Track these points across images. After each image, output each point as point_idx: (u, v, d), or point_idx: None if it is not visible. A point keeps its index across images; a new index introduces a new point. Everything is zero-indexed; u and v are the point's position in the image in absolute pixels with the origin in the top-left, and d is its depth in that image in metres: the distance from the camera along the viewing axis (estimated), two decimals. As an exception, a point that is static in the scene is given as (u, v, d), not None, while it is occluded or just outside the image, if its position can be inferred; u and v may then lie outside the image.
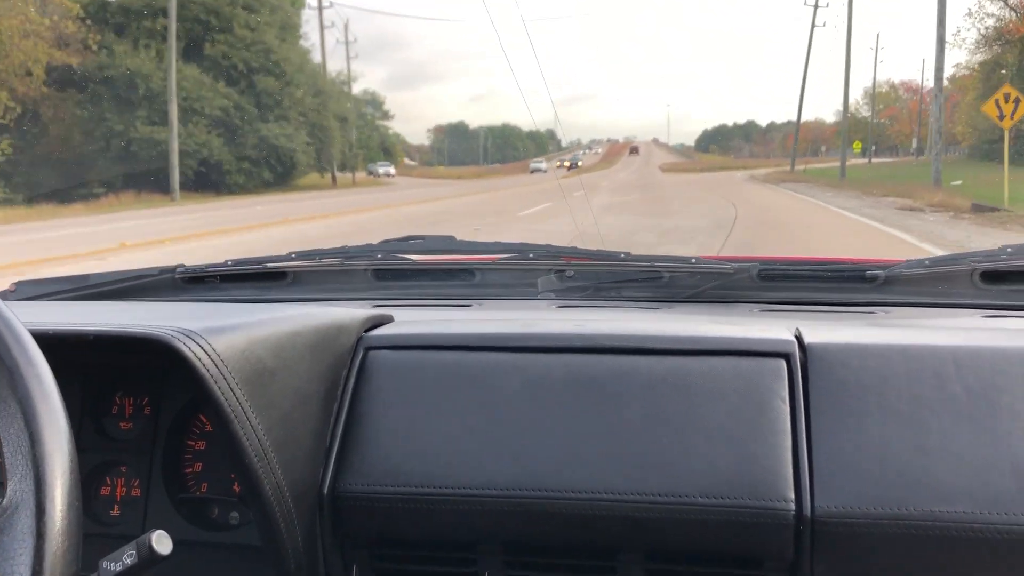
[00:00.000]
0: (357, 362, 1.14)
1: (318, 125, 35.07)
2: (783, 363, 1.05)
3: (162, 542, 0.78)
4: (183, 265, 1.68)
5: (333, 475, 1.06)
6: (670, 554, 1.01)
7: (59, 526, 0.67)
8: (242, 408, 0.94)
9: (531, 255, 1.62)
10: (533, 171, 59.54)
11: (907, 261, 1.52)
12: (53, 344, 0.80)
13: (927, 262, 1.49)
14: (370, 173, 50.92)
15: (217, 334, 0.95)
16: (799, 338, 1.09)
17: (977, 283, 1.47)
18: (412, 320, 1.28)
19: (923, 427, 0.98)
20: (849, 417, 1.00)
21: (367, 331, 1.20)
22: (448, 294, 1.66)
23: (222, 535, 1.15)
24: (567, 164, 46.37)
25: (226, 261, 1.67)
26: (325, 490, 1.06)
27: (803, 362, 1.06)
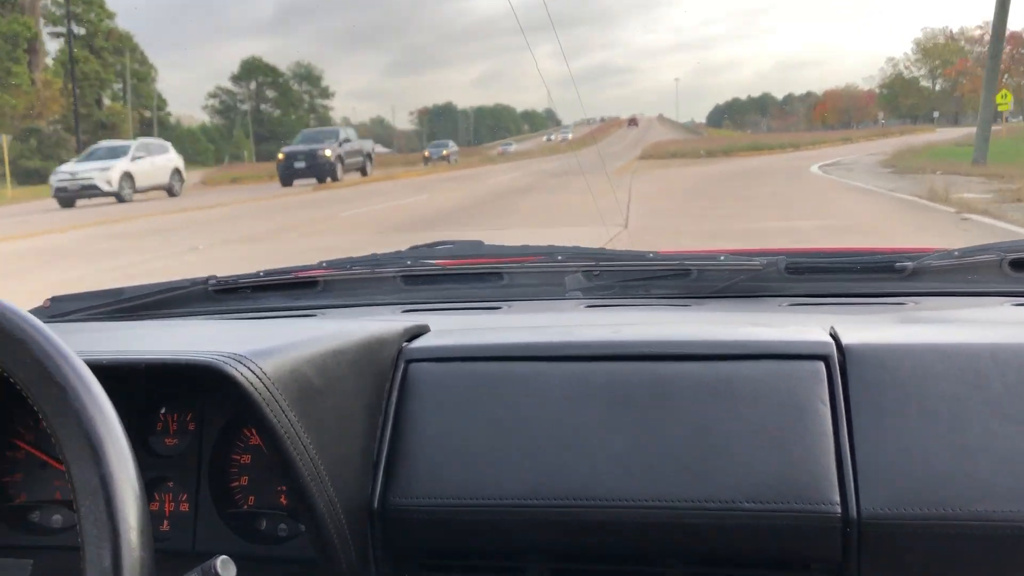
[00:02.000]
0: (399, 376, 1.16)
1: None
2: (822, 365, 1.06)
3: (227, 568, 0.80)
4: (215, 277, 1.69)
5: (382, 489, 1.08)
6: (717, 560, 1.03)
7: (134, 545, 0.69)
8: (293, 428, 0.96)
9: (559, 257, 1.63)
10: (502, 152, 57.05)
11: (936, 252, 1.52)
12: (104, 371, 0.83)
13: (956, 252, 1.49)
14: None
15: (266, 356, 0.97)
16: (836, 338, 1.10)
17: (1007, 271, 1.48)
18: (448, 329, 1.30)
19: (964, 426, 0.99)
20: (890, 418, 1.01)
21: (406, 342, 1.21)
22: (477, 296, 1.67)
23: (271, 548, 1.18)
24: (426, 154, 42.32)
25: (258, 272, 1.69)
26: (375, 504, 1.08)
27: (841, 363, 1.07)
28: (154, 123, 53.98)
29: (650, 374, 1.09)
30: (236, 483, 1.23)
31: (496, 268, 1.69)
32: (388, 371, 1.16)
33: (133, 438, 1.23)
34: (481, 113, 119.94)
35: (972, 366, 1.03)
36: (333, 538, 1.01)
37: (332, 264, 1.67)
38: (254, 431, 1.22)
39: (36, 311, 1.66)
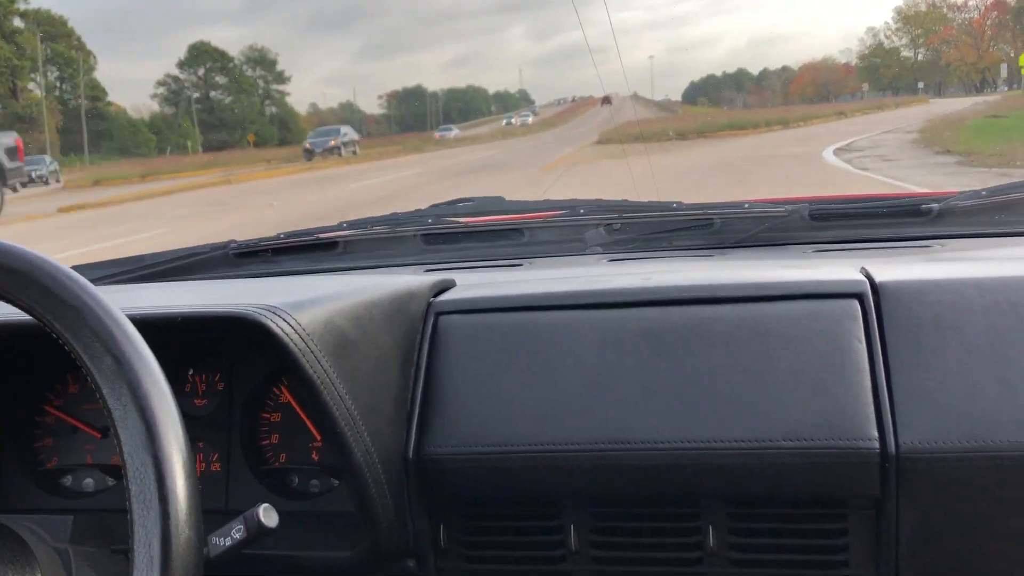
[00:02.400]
0: (429, 328, 1.16)
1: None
2: (856, 303, 1.05)
3: (269, 515, 0.81)
4: (235, 241, 1.69)
5: (416, 440, 1.08)
6: (755, 499, 1.02)
7: (182, 502, 0.69)
8: (330, 379, 0.96)
9: (581, 211, 1.62)
10: (440, 138, 52.70)
11: (962, 192, 1.50)
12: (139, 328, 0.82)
13: (984, 192, 1.48)
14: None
15: (300, 309, 0.96)
16: (869, 277, 1.09)
17: None
18: (474, 283, 1.29)
19: (1003, 359, 0.98)
20: (927, 353, 1.00)
21: (435, 297, 1.21)
22: (498, 254, 1.67)
23: (305, 503, 1.18)
24: (307, 146, 38.09)
25: (278, 234, 1.68)
26: (410, 455, 1.08)
27: (876, 302, 1.06)
28: (82, 113, 49.96)
29: (681, 319, 1.08)
30: (267, 441, 1.23)
31: (517, 224, 1.67)
32: (418, 323, 1.16)
33: None
34: (452, 95, 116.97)
35: (1008, 299, 1.02)
36: (371, 489, 1.01)
37: (352, 224, 1.66)
38: (283, 389, 1.22)
39: None
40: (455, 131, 58.25)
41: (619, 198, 1.65)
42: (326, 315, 0.99)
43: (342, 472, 1.02)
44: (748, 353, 1.04)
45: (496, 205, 1.67)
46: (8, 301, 0.76)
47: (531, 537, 1.10)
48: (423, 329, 1.16)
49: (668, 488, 1.03)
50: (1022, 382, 0.96)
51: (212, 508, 1.22)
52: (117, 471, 1.21)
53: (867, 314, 1.04)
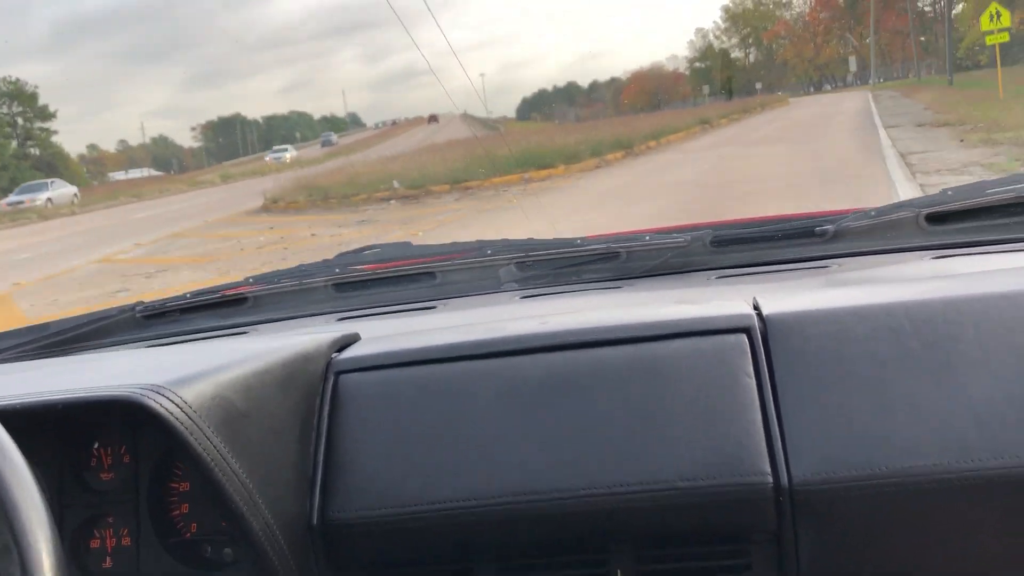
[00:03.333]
0: (329, 388, 1.15)
1: None
2: (744, 338, 1.08)
3: None
4: (142, 302, 1.67)
5: (320, 504, 1.07)
6: (658, 539, 1.04)
7: None
8: (220, 454, 0.95)
9: (488, 251, 1.63)
10: (272, 160, 45.32)
11: (854, 212, 1.55)
12: (23, 414, 0.81)
13: (873, 212, 1.52)
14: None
15: (185, 385, 0.95)
16: (757, 309, 1.12)
17: (923, 226, 1.51)
18: (378, 336, 1.29)
19: (884, 386, 1.01)
20: (813, 384, 1.03)
21: (336, 353, 1.21)
22: (411, 297, 1.67)
23: (218, 574, 1.16)
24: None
25: (184, 294, 1.66)
26: (315, 521, 1.07)
27: (763, 332, 1.08)
28: None
29: (577, 363, 1.10)
30: (177, 512, 1.21)
31: (428, 268, 1.68)
32: (318, 385, 1.15)
33: (68, 475, 1.22)
34: (274, 122, 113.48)
35: (889, 325, 1.05)
36: (273, 560, 1.00)
37: (259, 279, 1.65)
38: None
39: None
40: (291, 151, 52.56)
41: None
42: (213, 389, 0.98)
43: (242, 543, 1.01)
44: (643, 393, 1.05)
45: (403, 250, 1.68)
46: None
47: None
48: (323, 389, 1.15)
49: (575, 534, 1.04)
50: (901, 407, 0.99)
51: None
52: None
53: (755, 348, 1.07)
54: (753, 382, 1.04)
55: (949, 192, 1.50)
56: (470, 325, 1.32)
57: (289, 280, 1.64)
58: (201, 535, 1.19)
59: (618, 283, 1.57)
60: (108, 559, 1.20)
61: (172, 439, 0.93)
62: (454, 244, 1.65)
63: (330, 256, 1.73)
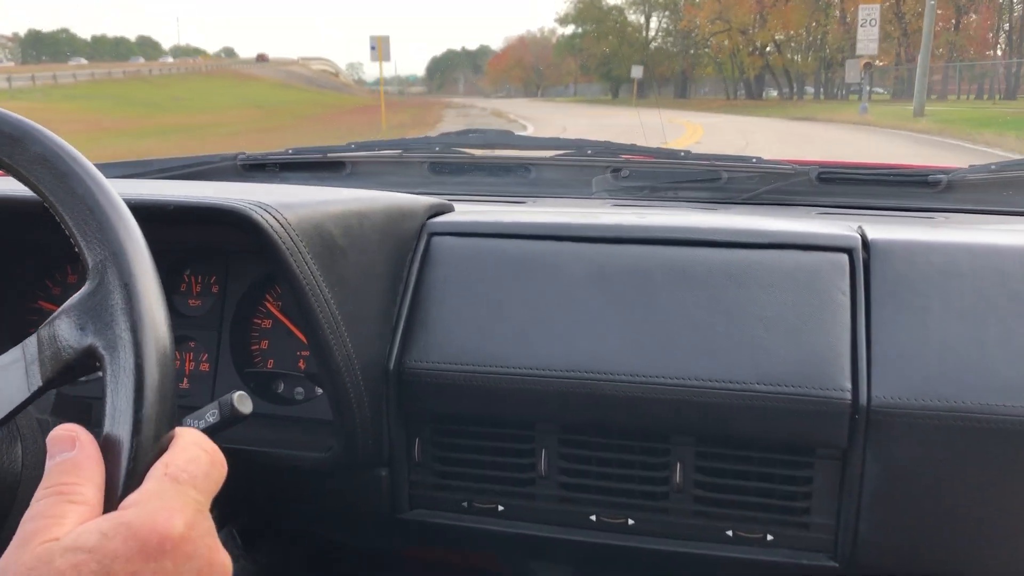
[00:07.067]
0: (421, 247, 1.17)
1: None
2: (845, 257, 1.06)
3: (244, 402, 0.82)
4: (244, 152, 1.70)
5: (399, 352, 1.10)
6: (724, 439, 1.04)
7: (155, 376, 0.70)
8: (315, 280, 0.97)
9: (588, 151, 1.61)
10: None
11: (972, 166, 1.49)
12: (137, 210, 0.83)
13: (993, 167, 1.46)
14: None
15: (291, 209, 0.97)
16: (862, 235, 1.09)
17: None
18: (472, 211, 1.30)
19: (985, 323, 0.98)
20: (911, 312, 1.01)
21: (430, 218, 1.22)
22: (503, 190, 1.67)
23: (288, 408, 1.20)
24: None
25: (287, 149, 1.69)
26: (391, 366, 1.09)
27: (865, 259, 1.06)
28: None
29: (672, 258, 1.09)
30: (256, 346, 1.25)
31: (525, 160, 1.67)
32: (411, 242, 1.17)
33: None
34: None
35: (998, 266, 1.02)
36: (349, 394, 1.02)
37: (360, 146, 1.67)
38: (277, 294, 1.24)
39: None
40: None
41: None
42: (317, 218, 1.00)
43: (322, 375, 1.03)
44: (733, 296, 1.04)
45: (504, 139, 1.67)
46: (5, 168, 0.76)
47: (503, 458, 1.11)
48: (416, 247, 1.17)
49: (640, 421, 1.04)
50: (1000, 347, 0.97)
51: (198, 406, 1.25)
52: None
53: (855, 269, 1.05)
54: (848, 301, 1.02)
55: None
56: (563, 213, 1.31)
57: (389, 152, 1.66)
58: (276, 370, 1.23)
59: (714, 206, 1.55)
60: (186, 380, 1.25)
61: (271, 258, 0.95)
62: (555, 139, 1.64)
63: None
